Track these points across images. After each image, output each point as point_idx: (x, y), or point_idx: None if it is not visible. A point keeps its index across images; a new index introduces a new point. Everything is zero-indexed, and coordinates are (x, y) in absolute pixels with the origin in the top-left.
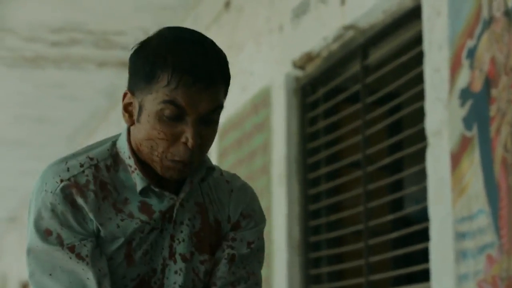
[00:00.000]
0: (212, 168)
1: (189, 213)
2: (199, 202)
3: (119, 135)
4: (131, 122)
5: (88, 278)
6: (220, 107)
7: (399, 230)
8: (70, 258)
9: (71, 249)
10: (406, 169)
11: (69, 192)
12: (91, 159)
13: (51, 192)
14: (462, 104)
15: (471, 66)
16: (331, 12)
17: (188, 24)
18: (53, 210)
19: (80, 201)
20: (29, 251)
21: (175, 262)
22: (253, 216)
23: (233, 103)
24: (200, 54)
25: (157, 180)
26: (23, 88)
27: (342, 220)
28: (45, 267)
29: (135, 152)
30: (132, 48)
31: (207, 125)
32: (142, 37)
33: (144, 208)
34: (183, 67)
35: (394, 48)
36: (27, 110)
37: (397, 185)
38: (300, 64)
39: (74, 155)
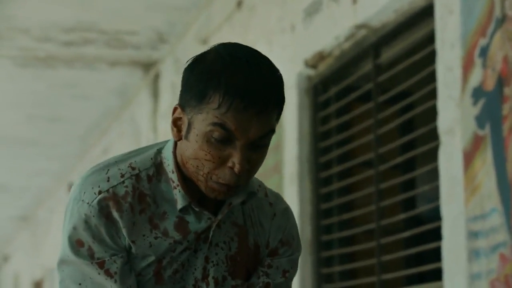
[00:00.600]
0: (254, 193)
1: (226, 235)
2: (239, 223)
3: (165, 142)
4: (179, 137)
5: None
6: (272, 131)
7: (411, 229)
8: (99, 273)
9: (101, 264)
10: (418, 168)
11: (105, 204)
12: (133, 168)
13: (88, 203)
14: (475, 102)
15: (484, 65)
16: (343, 11)
17: (200, 23)
18: (86, 222)
19: (115, 215)
20: (61, 260)
21: (207, 285)
22: (292, 244)
23: None
24: (255, 76)
25: (198, 197)
26: (35, 87)
27: (354, 219)
28: (75, 276)
29: (179, 167)
30: (186, 62)
31: (256, 150)
32: (154, 36)
33: (180, 225)
34: (236, 91)
35: (406, 47)
36: (39, 110)
37: (409, 184)
38: (312, 63)
39: (116, 162)
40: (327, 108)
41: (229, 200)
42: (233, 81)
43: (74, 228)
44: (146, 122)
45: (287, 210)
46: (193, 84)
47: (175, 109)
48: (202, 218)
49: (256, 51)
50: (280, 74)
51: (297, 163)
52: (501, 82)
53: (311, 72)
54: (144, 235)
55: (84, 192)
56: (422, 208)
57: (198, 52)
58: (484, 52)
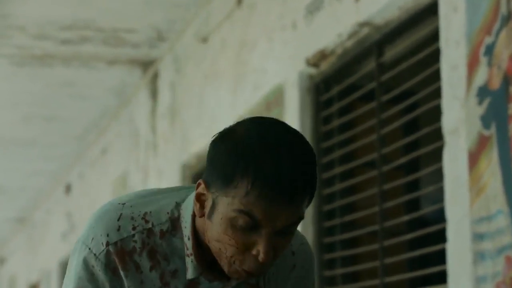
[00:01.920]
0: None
1: None
2: (252, 283)
3: (185, 193)
4: (201, 214)
5: None
6: (300, 219)
7: (415, 231)
8: None
9: None
10: (423, 169)
11: (112, 259)
12: (147, 221)
13: (95, 254)
14: (480, 102)
15: (489, 63)
16: (346, 8)
17: (200, 21)
18: (93, 274)
19: (121, 272)
20: None
21: None
22: None
23: (246, 102)
24: (286, 165)
25: (213, 259)
26: (32, 87)
27: (356, 221)
28: None
29: (195, 234)
30: (212, 137)
31: (282, 236)
32: (153, 34)
33: (191, 286)
34: (265, 180)
35: (410, 45)
36: (36, 109)
37: (413, 185)
38: (314, 62)
39: (131, 207)
40: (329, 107)
41: None
42: (262, 169)
43: (79, 277)
44: (145, 122)
45: (308, 258)
46: (219, 164)
47: (199, 184)
48: (214, 285)
49: (288, 130)
50: (314, 155)
51: None
52: (507, 81)
53: (312, 70)
54: None
55: (93, 238)
56: (426, 210)
57: (198, 51)
58: (489, 50)
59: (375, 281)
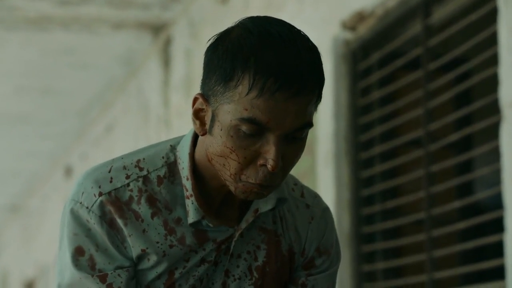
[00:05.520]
0: (285, 200)
1: (251, 244)
2: (268, 228)
3: (180, 138)
4: (203, 131)
5: None
6: (309, 125)
7: (468, 219)
8: None
9: (103, 278)
10: (476, 147)
11: (107, 210)
12: (141, 168)
13: (87, 207)
14: None
15: None
16: None
17: None
18: (89, 230)
19: (119, 222)
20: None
21: None
22: (330, 253)
23: None
24: (290, 53)
25: (218, 205)
26: (26, 54)
27: (400, 208)
28: (72, 285)
29: (195, 171)
30: (207, 41)
31: (291, 143)
32: None
33: (198, 232)
34: (268, 69)
35: (462, 5)
36: (31, 81)
37: (466, 166)
38: (351, 25)
39: (122, 158)
40: (368, 77)
41: (255, 206)
42: (264, 59)
43: (75, 234)
44: (156, 95)
45: (325, 212)
46: (216, 66)
47: (195, 99)
48: (221, 229)
49: (290, 25)
50: (319, 54)
51: (332, 141)
52: None
53: (349, 35)
54: (157, 243)
55: (83, 193)
56: (481, 195)
57: (217, 13)
58: None
59: (422, 277)
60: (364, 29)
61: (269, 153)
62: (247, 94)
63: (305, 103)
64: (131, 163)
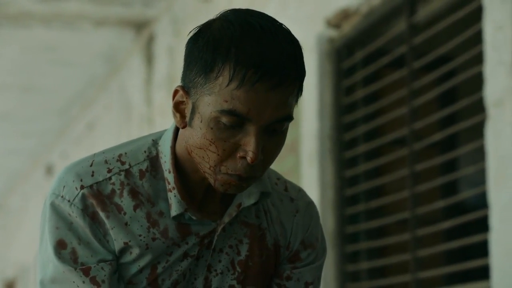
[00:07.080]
0: (267, 194)
1: (233, 238)
2: (250, 222)
3: (162, 132)
4: (183, 124)
5: None
6: (289, 117)
7: (453, 218)
8: (83, 282)
9: (86, 271)
10: (461, 147)
11: (89, 203)
12: (123, 162)
13: (69, 200)
14: None
15: None
16: None
17: None
18: (71, 223)
19: (101, 215)
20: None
21: None
22: (315, 246)
23: None
24: (271, 44)
25: (200, 198)
26: (6, 52)
27: (384, 207)
28: (55, 279)
29: (177, 165)
30: (188, 34)
31: (271, 136)
32: None
33: (181, 226)
34: (249, 60)
35: (447, 3)
36: (11, 78)
37: (450, 166)
38: (335, 23)
39: (103, 152)
40: (353, 75)
41: (238, 200)
42: (245, 50)
43: (57, 228)
44: (138, 92)
45: (309, 206)
46: (197, 57)
47: (176, 92)
48: (204, 222)
49: (272, 18)
50: (300, 46)
51: (316, 140)
52: None
53: (333, 33)
54: (140, 235)
55: (64, 186)
56: (466, 194)
57: (200, 11)
58: None
59: (406, 277)
60: (348, 27)
61: (249, 145)
62: (227, 85)
63: (286, 95)
64: (113, 157)
